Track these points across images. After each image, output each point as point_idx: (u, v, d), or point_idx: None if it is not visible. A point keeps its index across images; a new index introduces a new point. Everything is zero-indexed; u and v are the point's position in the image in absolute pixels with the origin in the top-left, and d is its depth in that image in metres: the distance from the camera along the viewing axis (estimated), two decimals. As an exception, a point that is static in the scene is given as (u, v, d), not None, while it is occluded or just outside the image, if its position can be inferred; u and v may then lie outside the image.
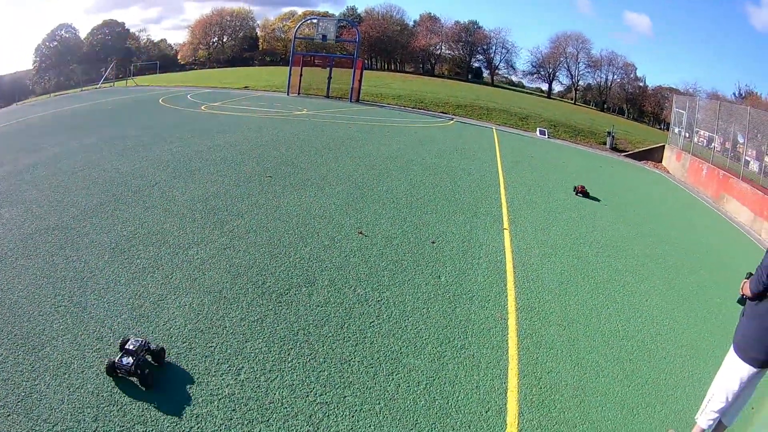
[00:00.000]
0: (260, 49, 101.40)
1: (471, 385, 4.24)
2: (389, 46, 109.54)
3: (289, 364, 4.11)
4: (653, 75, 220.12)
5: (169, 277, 5.29)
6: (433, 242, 7.06)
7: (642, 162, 29.78)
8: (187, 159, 10.35)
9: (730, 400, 3.76)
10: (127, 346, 3.82)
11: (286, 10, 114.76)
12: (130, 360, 3.70)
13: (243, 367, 4.01)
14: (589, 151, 27.19)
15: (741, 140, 30.21)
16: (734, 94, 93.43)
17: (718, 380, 3.88)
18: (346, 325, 4.77)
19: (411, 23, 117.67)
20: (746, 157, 24.80)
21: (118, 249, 5.84)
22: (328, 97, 30.10)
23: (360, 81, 30.51)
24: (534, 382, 4.45)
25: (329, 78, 30.43)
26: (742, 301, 3.92)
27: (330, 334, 4.60)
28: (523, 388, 4.34)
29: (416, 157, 13.48)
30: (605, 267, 7.70)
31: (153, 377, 3.78)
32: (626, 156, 29.66)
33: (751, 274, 3.82)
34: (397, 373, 4.22)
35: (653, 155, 31.11)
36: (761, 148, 26.59)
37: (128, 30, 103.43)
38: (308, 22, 40.30)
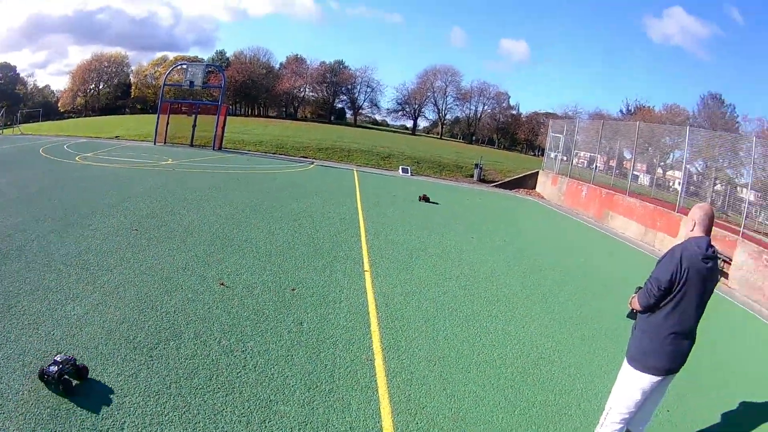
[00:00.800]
0: (132, 96, 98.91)
1: (344, 427, 4.35)
2: (254, 91, 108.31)
3: (167, 417, 4.09)
4: (529, 101, 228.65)
5: (51, 334, 5.12)
6: (294, 290, 7.18)
7: (513, 190, 30.74)
8: (63, 212, 10.02)
9: (633, 410, 3.95)
10: (56, 358, 4.36)
11: (159, 55, 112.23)
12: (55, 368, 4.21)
13: (125, 422, 3.96)
14: (454, 185, 28.10)
15: (628, 156, 32.25)
16: (621, 111, 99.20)
17: (615, 394, 4.05)
18: (214, 377, 4.78)
19: (277, 66, 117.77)
20: (634, 172, 26.48)
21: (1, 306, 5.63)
22: (192, 145, 29.73)
23: (223, 128, 30.38)
24: (409, 419, 4.62)
25: (194, 126, 30.04)
26: (632, 315, 4.10)
27: (201, 386, 4.59)
28: (399, 426, 4.48)
29: (276, 203, 13.68)
30: (475, 299, 8.02)
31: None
32: (496, 186, 30.50)
33: (640, 288, 4.01)
34: (270, 420, 4.28)
35: (526, 183, 31.92)
36: (653, 160, 28.23)
37: (18, 74, 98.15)
38: (178, 68, 39.95)
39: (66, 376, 4.27)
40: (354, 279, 8.07)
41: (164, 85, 35.36)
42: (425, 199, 14.64)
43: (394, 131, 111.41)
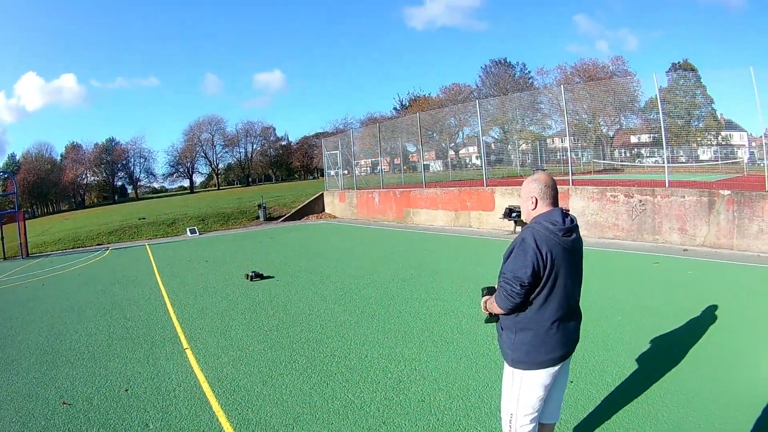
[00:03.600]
0: None
1: None
2: (44, 189, 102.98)
3: None
4: (297, 128, 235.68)
5: None
6: (127, 390, 6.51)
7: (303, 219, 31.47)
8: None
9: (538, 406, 3.54)
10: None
11: None
12: None
13: None
14: (243, 231, 28.94)
15: (412, 150, 33.11)
16: (395, 108, 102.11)
17: (510, 400, 3.59)
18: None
19: (59, 158, 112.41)
20: (424, 163, 27.24)
21: None
22: (5, 258, 27.57)
23: (25, 234, 28.48)
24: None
25: (2, 238, 27.85)
26: (492, 319, 3.66)
27: None
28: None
29: (84, 300, 12.86)
30: (304, 344, 7.84)
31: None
32: (284, 221, 31.46)
33: (488, 290, 3.68)
34: None
35: (313, 208, 32.69)
36: (441, 145, 28.74)
37: None
38: (-22, 179, 36.74)
39: None
40: (178, 360, 7.63)
41: None
42: (257, 276, 13.86)
43: (174, 194, 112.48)
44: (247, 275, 13.46)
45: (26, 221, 30.97)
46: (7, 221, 30.25)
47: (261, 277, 13.42)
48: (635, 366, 6.06)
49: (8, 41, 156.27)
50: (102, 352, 8.47)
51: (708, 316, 7.61)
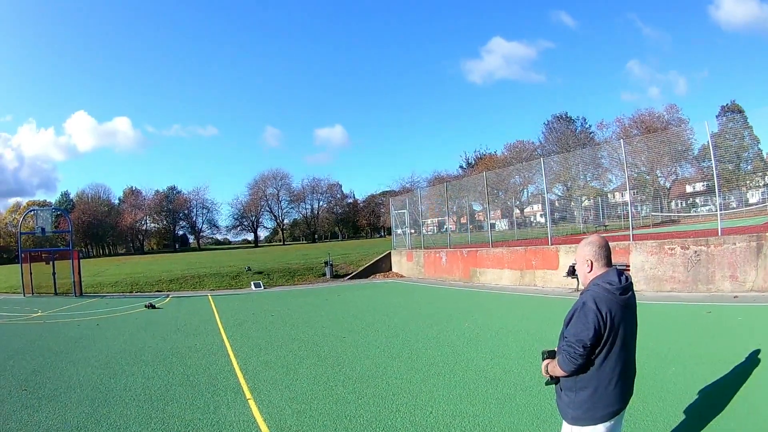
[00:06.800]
0: None
1: None
2: (100, 230, 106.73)
3: None
4: (362, 186, 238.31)
5: None
6: None
7: (370, 278, 31.30)
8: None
9: None
10: None
11: (12, 201, 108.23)
12: None
13: None
14: (309, 287, 28.79)
15: (478, 208, 32.81)
16: (462, 166, 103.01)
17: None
18: None
19: (117, 201, 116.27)
20: (490, 221, 27.07)
21: None
22: (57, 294, 29.03)
23: (79, 273, 29.72)
24: None
25: (54, 273, 29.55)
26: (553, 381, 3.70)
27: None
28: None
29: (141, 345, 13.05)
30: (369, 399, 7.65)
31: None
32: (350, 278, 31.27)
33: (548, 353, 3.74)
34: None
35: (380, 266, 32.54)
36: (507, 204, 28.90)
37: None
38: (30, 213, 38.26)
39: None
40: (240, 410, 7.49)
41: (20, 234, 34.16)
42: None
43: (238, 247, 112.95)
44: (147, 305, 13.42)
45: (80, 260, 31.99)
46: (59, 258, 31.61)
47: (153, 306, 13.45)
48: (686, 416, 6.07)
49: (59, 78, 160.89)
50: (159, 396, 8.42)
51: (754, 360, 7.85)
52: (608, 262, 3.57)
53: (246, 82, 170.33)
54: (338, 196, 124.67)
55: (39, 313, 20.77)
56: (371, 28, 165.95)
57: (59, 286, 29.65)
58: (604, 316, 3.34)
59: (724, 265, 14.43)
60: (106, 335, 14.74)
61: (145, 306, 13.08)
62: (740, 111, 61.84)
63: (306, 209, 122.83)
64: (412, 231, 31.64)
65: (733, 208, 29.84)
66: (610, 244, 3.69)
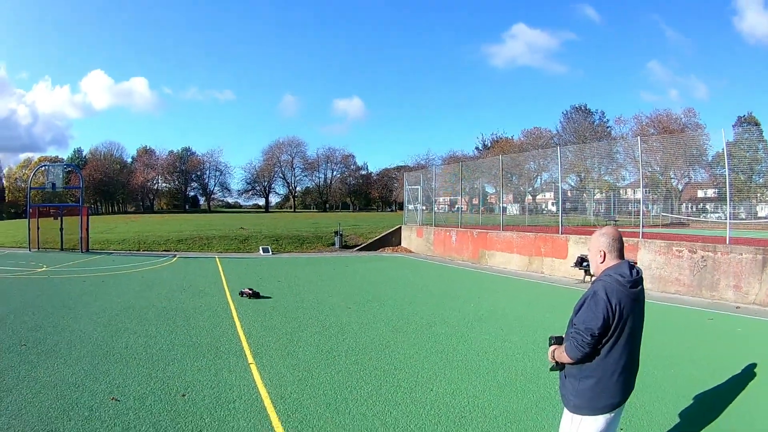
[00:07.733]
0: (6, 200, 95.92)
1: None
2: (111, 188, 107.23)
3: None
4: (377, 159, 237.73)
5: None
6: (184, 395, 6.48)
7: (378, 250, 31.29)
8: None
9: None
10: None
11: (23, 156, 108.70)
12: None
13: None
14: (317, 256, 28.80)
15: (491, 191, 32.77)
16: (477, 148, 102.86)
17: None
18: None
19: (129, 160, 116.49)
20: (502, 205, 27.06)
21: None
22: (63, 249, 29.12)
23: (87, 230, 29.91)
24: None
25: (61, 229, 29.60)
26: (557, 367, 3.75)
27: None
28: None
29: (146, 303, 13.10)
30: (371, 371, 7.69)
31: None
32: (359, 250, 31.29)
33: (556, 339, 3.76)
34: None
35: (390, 240, 32.53)
36: (520, 189, 28.85)
37: None
38: (41, 169, 38.34)
39: None
40: (241, 374, 7.52)
41: (30, 188, 34.02)
42: (253, 294, 13.90)
43: (248, 211, 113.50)
44: (242, 292, 13.74)
45: (89, 217, 32.27)
46: (67, 213, 31.68)
47: (258, 296, 13.71)
48: (680, 418, 6.09)
49: (76, 37, 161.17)
50: (161, 355, 8.44)
51: (750, 373, 7.80)
52: (621, 255, 3.62)
53: (266, 49, 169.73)
54: (352, 167, 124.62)
55: (44, 268, 20.84)
56: (397, 3, 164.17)
57: (66, 242, 29.87)
58: (614, 306, 3.38)
59: (730, 273, 14.44)
60: (110, 292, 14.79)
61: (241, 294, 13.15)
62: (757, 124, 62.75)
63: (319, 178, 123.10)
64: (424, 207, 31.59)
65: (742, 219, 29.89)
66: (621, 238, 3.78)
